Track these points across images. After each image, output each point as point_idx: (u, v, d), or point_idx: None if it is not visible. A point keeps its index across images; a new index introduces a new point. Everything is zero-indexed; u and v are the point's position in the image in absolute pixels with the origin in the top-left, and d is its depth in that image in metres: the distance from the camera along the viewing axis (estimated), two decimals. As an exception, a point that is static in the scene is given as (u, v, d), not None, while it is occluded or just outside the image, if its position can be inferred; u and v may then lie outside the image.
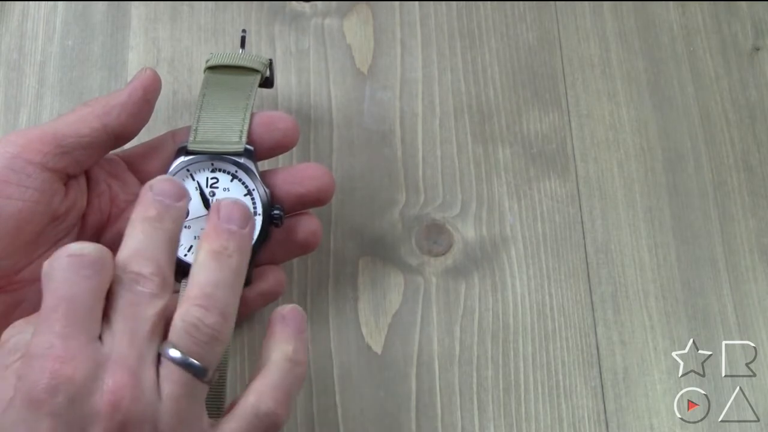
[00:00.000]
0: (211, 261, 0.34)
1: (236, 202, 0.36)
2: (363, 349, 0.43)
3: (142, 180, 0.41)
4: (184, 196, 0.36)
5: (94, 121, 0.38)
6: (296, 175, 0.41)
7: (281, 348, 0.36)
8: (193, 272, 0.34)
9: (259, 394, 0.34)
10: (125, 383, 0.31)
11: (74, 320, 0.32)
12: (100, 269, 0.32)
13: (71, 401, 0.30)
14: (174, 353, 0.33)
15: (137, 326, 0.33)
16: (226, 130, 0.40)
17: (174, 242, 0.35)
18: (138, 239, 0.34)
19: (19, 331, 0.33)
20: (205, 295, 0.34)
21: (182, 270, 0.40)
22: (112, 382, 0.31)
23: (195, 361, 0.33)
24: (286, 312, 0.37)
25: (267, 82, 0.44)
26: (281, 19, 0.49)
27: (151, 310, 0.33)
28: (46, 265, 0.33)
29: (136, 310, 0.33)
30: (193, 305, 0.33)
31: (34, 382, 0.30)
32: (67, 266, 0.32)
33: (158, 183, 0.36)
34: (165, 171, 0.40)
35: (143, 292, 0.33)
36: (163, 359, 0.33)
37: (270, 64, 0.43)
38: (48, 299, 0.32)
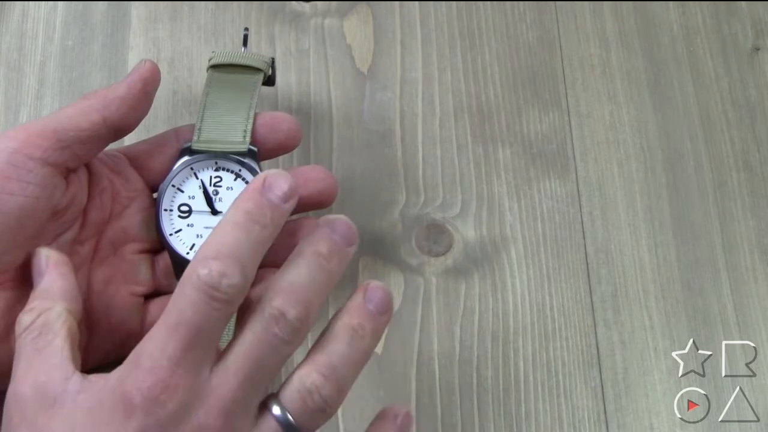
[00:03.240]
0: (345, 334, 0.34)
1: (385, 289, 0.35)
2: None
3: (145, 177, 0.41)
4: (354, 242, 0.35)
5: (94, 114, 0.38)
6: (298, 177, 0.41)
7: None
8: (325, 340, 0.34)
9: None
10: (217, 427, 0.31)
11: (189, 347, 0.31)
12: (233, 303, 0.32)
13: (159, 425, 0.30)
14: (280, 413, 0.32)
15: (255, 371, 0.32)
16: (230, 130, 0.41)
17: (328, 290, 0.34)
18: (298, 274, 0.33)
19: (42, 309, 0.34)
20: (331, 366, 0.33)
21: (183, 268, 0.40)
22: (203, 420, 0.31)
23: (297, 428, 0.32)
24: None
25: (269, 80, 0.44)
26: (281, 19, 0.49)
27: (277, 358, 0.32)
28: (184, 277, 0.32)
29: (262, 354, 0.32)
30: (315, 371, 0.32)
31: (130, 391, 0.30)
32: (201, 292, 0.31)
33: (338, 223, 0.35)
34: (168, 168, 0.40)
35: (277, 336, 0.32)
36: (266, 412, 0.32)
37: (272, 63, 0.43)
38: (171, 315, 0.31)
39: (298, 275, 0.33)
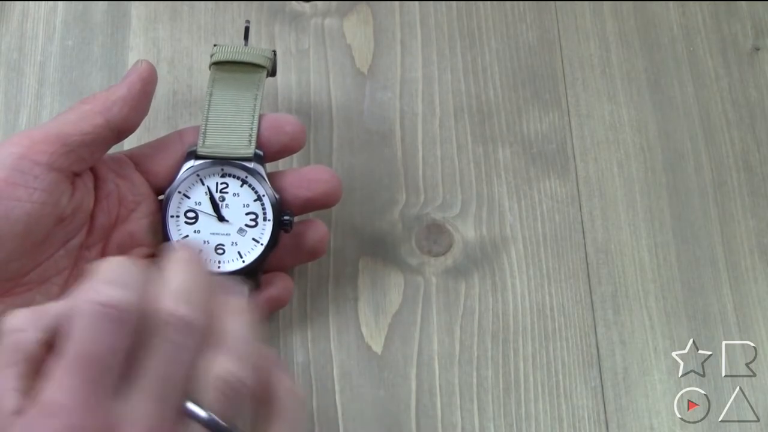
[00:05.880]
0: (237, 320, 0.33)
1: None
2: (363, 349, 0.43)
3: (150, 180, 0.41)
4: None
5: (97, 117, 0.38)
6: (303, 178, 0.41)
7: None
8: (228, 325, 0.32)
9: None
10: None
11: (92, 379, 0.29)
12: (128, 320, 0.30)
13: None
14: (202, 413, 0.30)
15: (168, 386, 0.30)
16: (236, 134, 0.40)
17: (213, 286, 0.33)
18: (182, 279, 0.32)
19: (22, 326, 0.31)
20: (234, 350, 0.32)
21: None
22: None
23: (223, 423, 0.31)
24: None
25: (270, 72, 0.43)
26: (281, 19, 0.49)
27: (187, 365, 0.31)
28: (69, 308, 0.30)
29: (171, 368, 0.30)
30: (223, 360, 0.31)
31: None
32: (92, 318, 0.30)
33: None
34: (174, 171, 0.40)
35: (183, 345, 0.31)
36: (187, 417, 0.31)
37: (274, 56, 0.43)
38: (68, 350, 0.30)
39: (182, 280, 0.32)
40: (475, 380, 0.42)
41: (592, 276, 0.45)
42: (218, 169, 0.40)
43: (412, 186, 0.46)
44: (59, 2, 0.49)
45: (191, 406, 0.31)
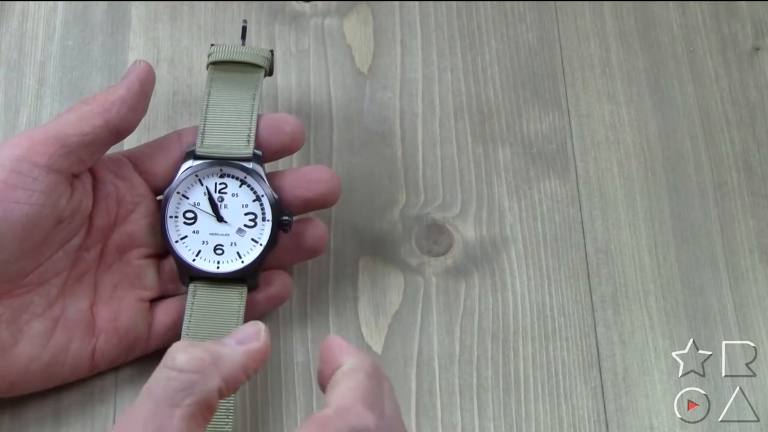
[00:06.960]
0: None
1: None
2: (363, 349, 0.43)
3: (149, 181, 0.41)
4: None
5: (96, 118, 0.38)
6: (303, 178, 0.41)
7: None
8: None
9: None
10: None
11: None
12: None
13: None
14: None
15: None
16: (234, 134, 0.40)
17: None
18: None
19: (202, 369, 0.31)
20: None
21: (188, 274, 0.40)
22: None
23: None
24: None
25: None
26: (281, 19, 0.49)
27: None
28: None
29: None
30: None
31: None
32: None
33: None
34: (172, 171, 0.40)
35: None
36: None
37: (271, 56, 0.43)
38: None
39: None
40: (475, 380, 0.42)
41: (592, 276, 0.45)
42: (217, 169, 0.40)
43: (412, 186, 0.46)
44: (59, 2, 0.49)
45: None
